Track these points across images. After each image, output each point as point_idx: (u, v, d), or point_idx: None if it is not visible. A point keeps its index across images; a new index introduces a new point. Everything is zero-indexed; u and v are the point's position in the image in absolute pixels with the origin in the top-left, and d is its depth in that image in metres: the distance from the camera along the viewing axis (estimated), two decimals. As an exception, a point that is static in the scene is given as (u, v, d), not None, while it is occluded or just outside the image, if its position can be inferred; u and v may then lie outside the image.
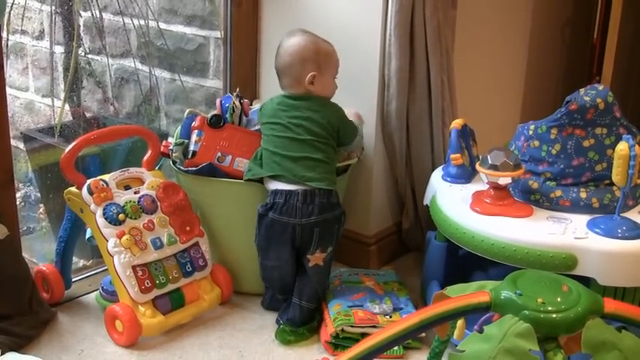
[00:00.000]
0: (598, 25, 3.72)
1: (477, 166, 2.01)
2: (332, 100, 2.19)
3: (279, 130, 2.13)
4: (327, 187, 2.08)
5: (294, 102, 2.15)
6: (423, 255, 2.29)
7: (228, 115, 2.28)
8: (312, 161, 2.10)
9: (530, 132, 2.03)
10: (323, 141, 2.11)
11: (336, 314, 2.08)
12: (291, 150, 2.10)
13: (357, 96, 2.33)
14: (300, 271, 2.15)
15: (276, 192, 2.09)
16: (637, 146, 1.77)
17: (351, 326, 2.04)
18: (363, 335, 2.00)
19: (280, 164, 2.10)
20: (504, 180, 1.96)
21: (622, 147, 1.77)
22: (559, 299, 1.38)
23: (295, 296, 2.13)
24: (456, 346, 1.40)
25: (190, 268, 2.14)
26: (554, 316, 1.35)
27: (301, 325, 2.11)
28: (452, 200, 2.09)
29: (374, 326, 2.04)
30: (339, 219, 2.13)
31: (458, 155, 2.17)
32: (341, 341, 2.04)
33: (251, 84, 2.61)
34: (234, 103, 2.30)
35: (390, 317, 2.08)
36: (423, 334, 1.96)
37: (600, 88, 1.97)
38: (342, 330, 2.03)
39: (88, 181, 2.08)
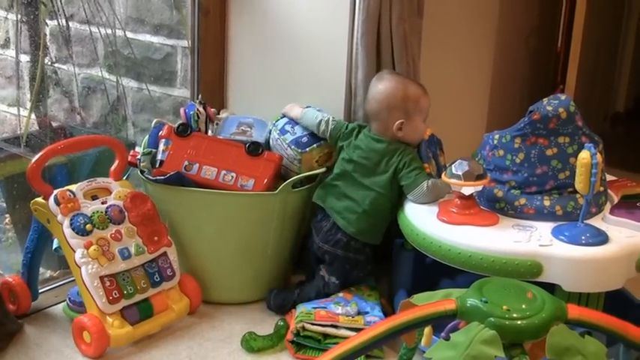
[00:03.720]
0: (562, 34, 3.77)
1: (443, 176, 2.04)
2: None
3: (348, 163, 2.21)
4: (351, 233, 2.19)
5: (376, 144, 2.18)
6: (392, 263, 2.30)
7: (193, 122, 2.29)
8: (356, 205, 2.18)
9: (495, 141, 2.05)
10: (380, 191, 2.17)
11: (298, 313, 2.12)
12: (346, 187, 2.20)
13: (325, 105, 2.34)
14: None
15: (319, 207, 2.26)
16: (598, 154, 1.79)
17: (311, 323, 2.06)
18: (325, 336, 2.06)
19: (333, 192, 2.23)
20: (468, 190, 1.98)
21: (584, 155, 1.79)
22: (524, 306, 1.40)
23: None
24: (424, 352, 1.41)
25: (158, 278, 2.14)
26: (519, 322, 1.37)
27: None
28: (419, 210, 2.10)
29: (334, 325, 2.07)
30: (353, 262, 2.23)
31: (425, 165, 2.19)
32: (302, 340, 2.06)
33: (218, 93, 2.62)
34: (197, 109, 2.32)
35: (353, 318, 2.10)
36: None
37: (562, 97, 2.00)
38: (303, 328, 2.06)
39: (55, 192, 2.07)
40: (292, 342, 2.07)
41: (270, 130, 2.34)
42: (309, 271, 2.36)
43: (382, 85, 2.19)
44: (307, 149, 2.28)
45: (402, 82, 2.20)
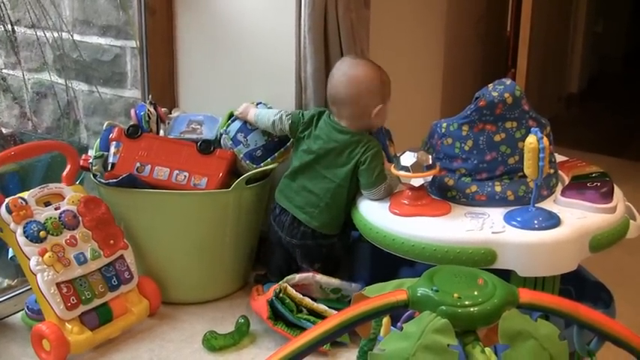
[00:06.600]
0: (510, 18, 3.80)
1: (392, 169, 2.03)
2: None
3: (309, 154, 2.17)
4: (314, 228, 2.17)
5: (339, 135, 2.14)
6: (351, 256, 2.30)
7: (144, 123, 2.28)
8: (317, 199, 2.16)
9: (443, 130, 2.05)
10: (340, 183, 2.14)
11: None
12: (307, 179, 2.17)
13: (276, 99, 2.34)
14: None
15: (277, 203, 2.23)
16: (545, 138, 1.80)
17: (293, 285, 2.12)
18: (298, 306, 2.10)
19: (293, 186, 2.20)
20: (417, 181, 1.98)
21: (531, 140, 1.80)
22: (475, 293, 1.40)
23: None
24: (380, 343, 1.42)
25: (116, 282, 2.13)
26: (470, 309, 1.37)
27: None
28: (372, 204, 2.09)
29: (313, 298, 2.12)
30: (327, 245, 2.21)
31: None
32: (279, 303, 2.08)
33: (169, 92, 2.61)
34: (148, 110, 2.31)
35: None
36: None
37: (508, 82, 2.01)
38: (285, 290, 2.10)
39: (6, 200, 2.05)
40: (270, 304, 2.09)
41: (222, 135, 2.32)
42: (271, 266, 2.35)
43: (361, 70, 2.14)
44: (262, 164, 2.28)
45: (377, 66, 2.17)
